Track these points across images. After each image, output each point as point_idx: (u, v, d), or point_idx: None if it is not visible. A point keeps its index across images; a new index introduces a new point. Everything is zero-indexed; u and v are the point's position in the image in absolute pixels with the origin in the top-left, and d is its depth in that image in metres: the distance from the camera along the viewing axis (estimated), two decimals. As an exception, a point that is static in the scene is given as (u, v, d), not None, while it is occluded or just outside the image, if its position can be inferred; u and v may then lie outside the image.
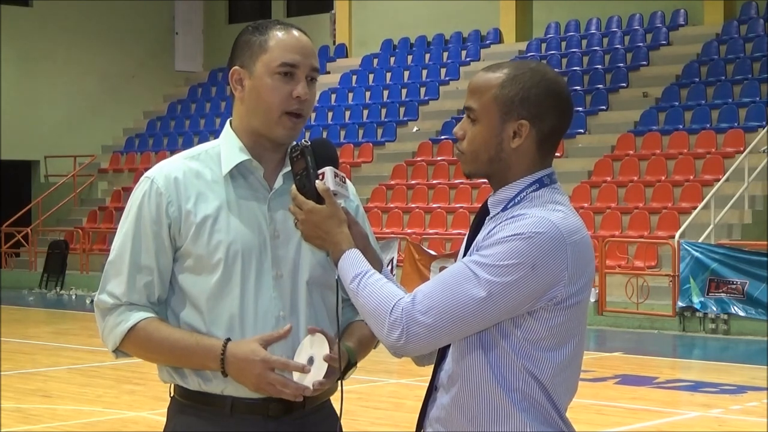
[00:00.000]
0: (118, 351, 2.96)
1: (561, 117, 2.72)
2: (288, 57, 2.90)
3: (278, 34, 2.92)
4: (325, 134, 23.34)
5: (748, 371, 12.10)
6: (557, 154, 14.77)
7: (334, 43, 27.82)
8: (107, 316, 2.93)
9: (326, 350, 2.81)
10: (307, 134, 22.60)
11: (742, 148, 18.09)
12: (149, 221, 2.90)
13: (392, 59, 26.13)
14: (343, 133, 24.16)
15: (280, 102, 2.89)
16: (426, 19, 26.05)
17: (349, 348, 2.94)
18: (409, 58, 25.83)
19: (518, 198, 2.69)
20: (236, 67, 2.94)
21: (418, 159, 21.91)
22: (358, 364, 3.02)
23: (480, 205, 2.81)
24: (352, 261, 2.72)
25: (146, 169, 3.05)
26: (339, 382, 2.90)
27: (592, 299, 15.47)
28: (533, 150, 2.71)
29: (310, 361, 2.83)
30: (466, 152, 2.73)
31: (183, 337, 2.87)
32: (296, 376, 2.82)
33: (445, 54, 25.37)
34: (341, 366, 2.86)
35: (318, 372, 2.81)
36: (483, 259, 2.59)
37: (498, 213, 2.70)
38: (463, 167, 2.76)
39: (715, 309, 15.01)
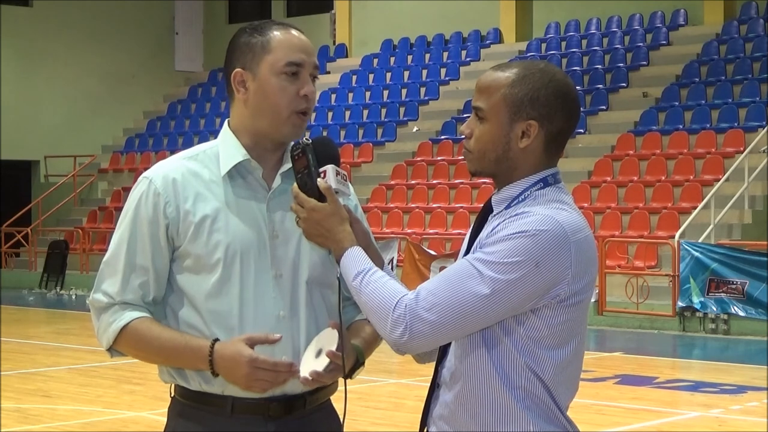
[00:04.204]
0: (113, 350, 2.96)
1: (569, 118, 2.73)
2: (293, 56, 2.90)
3: (279, 34, 2.92)
4: (325, 134, 23.31)
5: (748, 371, 12.10)
6: (557, 154, 14.64)
7: (334, 43, 27.82)
8: (101, 315, 2.94)
9: (333, 346, 2.81)
10: (307, 134, 22.54)
11: (742, 148, 18.09)
12: (146, 221, 2.90)
13: (392, 59, 26.13)
14: (343, 133, 24.16)
15: (289, 102, 2.89)
16: (426, 19, 26.05)
17: (358, 347, 2.93)
18: (409, 58, 25.83)
19: (522, 196, 2.70)
20: (238, 70, 2.92)
21: (418, 159, 21.91)
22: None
23: (480, 205, 2.81)
24: (355, 258, 2.72)
25: (146, 169, 3.06)
26: (344, 381, 2.90)
27: (592, 299, 15.45)
28: (540, 150, 2.72)
29: (319, 353, 2.84)
30: (473, 151, 2.74)
31: (172, 337, 2.88)
32: (301, 363, 2.83)
33: (445, 54, 25.38)
34: (349, 363, 2.87)
35: (318, 364, 2.81)
36: (487, 257, 2.59)
37: (501, 211, 2.71)
38: (470, 165, 2.77)
39: (715, 309, 15.01)
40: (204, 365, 2.83)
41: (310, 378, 2.81)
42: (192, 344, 2.85)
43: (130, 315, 2.90)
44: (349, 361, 2.88)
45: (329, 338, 2.83)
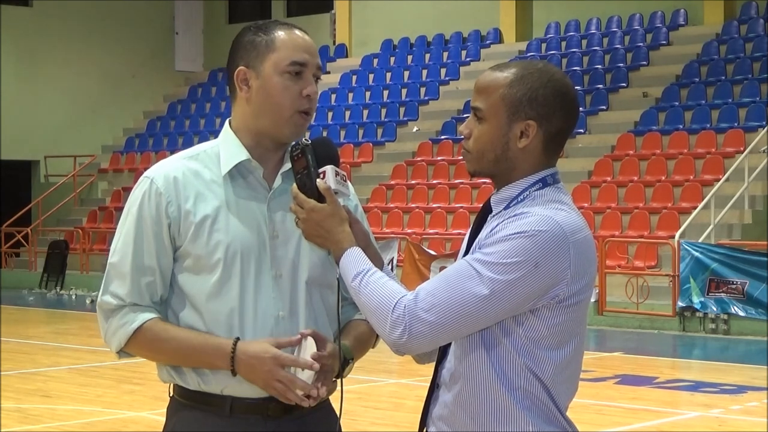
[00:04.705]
0: (122, 352, 2.96)
1: (567, 117, 2.72)
2: (297, 56, 2.90)
3: (283, 34, 2.93)
4: (325, 134, 23.32)
5: (748, 371, 12.10)
6: (557, 154, 14.74)
7: (334, 43, 27.82)
8: (110, 318, 2.93)
9: (313, 352, 2.82)
10: (307, 134, 22.55)
11: (742, 148, 18.09)
12: (150, 221, 2.90)
13: (392, 59, 26.13)
14: (343, 133, 24.16)
15: (292, 101, 2.90)
16: (426, 19, 26.05)
17: (344, 345, 2.94)
18: (409, 58, 25.84)
19: (521, 196, 2.70)
20: (242, 68, 2.93)
21: (418, 159, 21.91)
22: (358, 363, 3.03)
23: (480, 205, 2.81)
24: (354, 259, 2.72)
25: (146, 169, 3.05)
26: (339, 381, 2.90)
27: (592, 299, 15.46)
28: (539, 150, 2.72)
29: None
30: (472, 151, 2.74)
31: (190, 336, 2.88)
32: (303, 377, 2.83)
33: (445, 54, 25.38)
34: (337, 364, 2.88)
35: (306, 376, 2.82)
36: (486, 257, 2.59)
37: (501, 211, 2.71)
38: (468, 166, 2.77)
39: (715, 309, 15.01)
40: (224, 363, 2.83)
41: (321, 396, 2.83)
42: (212, 342, 2.85)
43: (143, 317, 2.90)
44: (336, 361, 2.88)
45: (309, 348, 2.84)
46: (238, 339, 2.84)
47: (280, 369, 2.80)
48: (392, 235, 18.54)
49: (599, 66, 22.32)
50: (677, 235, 15.96)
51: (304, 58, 2.91)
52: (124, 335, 2.90)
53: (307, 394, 2.81)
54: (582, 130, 20.44)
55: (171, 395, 2.99)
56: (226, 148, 2.96)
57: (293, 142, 2.91)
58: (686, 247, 15.29)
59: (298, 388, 2.80)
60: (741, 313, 14.84)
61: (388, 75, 25.58)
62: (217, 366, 2.85)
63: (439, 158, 21.55)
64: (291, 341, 2.83)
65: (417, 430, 2.81)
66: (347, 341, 2.96)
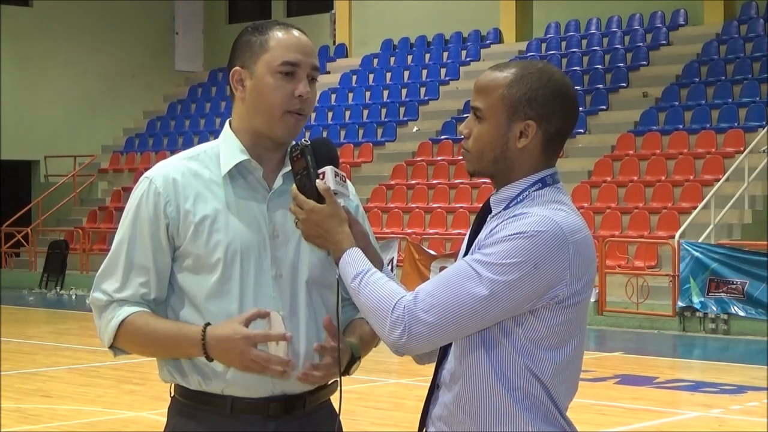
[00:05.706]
0: (115, 348, 2.97)
1: (567, 118, 2.73)
2: (289, 56, 2.90)
3: (278, 34, 2.93)
4: (325, 134, 23.32)
5: (748, 371, 12.10)
6: (557, 154, 14.75)
7: (334, 43, 27.82)
8: (102, 314, 2.95)
9: (281, 329, 2.81)
10: (307, 134, 22.59)
11: (742, 148, 18.09)
12: (147, 221, 2.91)
13: (392, 59, 26.13)
14: (343, 133, 24.17)
15: (282, 101, 2.90)
16: (426, 19, 26.06)
17: (352, 343, 2.94)
18: (409, 58, 25.84)
19: (521, 197, 2.70)
20: (237, 68, 2.94)
21: (418, 159, 21.91)
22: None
23: (480, 205, 2.81)
24: (354, 260, 2.72)
25: (146, 169, 3.06)
26: (339, 379, 2.91)
27: (592, 299, 15.46)
28: (539, 150, 2.72)
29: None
30: (471, 150, 2.74)
31: (167, 327, 2.89)
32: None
33: (445, 54, 25.38)
34: (345, 360, 2.88)
35: (282, 349, 2.81)
36: (485, 258, 2.59)
37: (500, 211, 2.71)
38: (468, 165, 2.77)
39: (715, 309, 15.01)
40: (197, 351, 2.83)
41: (306, 377, 2.84)
42: (185, 330, 2.85)
43: (127, 310, 2.91)
44: (345, 358, 2.89)
45: (275, 325, 2.83)
46: (207, 324, 2.84)
47: (253, 348, 2.78)
48: (392, 235, 18.54)
49: (599, 66, 22.33)
50: (677, 235, 15.96)
51: (297, 58, 2.91)
52: (111, 330, 2.92)
53: (285, 369, 2.80)
54: (582, 130, 20.44)
55: (172, 395, 3.00)
56: (226, 148, 2.97)
57: (293, 143, 2.91)
58: (686, 247, 15.29)
59: (275, 364, 2.79)
60: (741, 313, 14.85)
61: (388, 75, 25.58)
62: (193, 354, 2.86)
63: (439, 158, 21.55)
64: (259, 312, 2.82)
65: (417, 430, 2.81)
66: (354, 339, 2.97)
